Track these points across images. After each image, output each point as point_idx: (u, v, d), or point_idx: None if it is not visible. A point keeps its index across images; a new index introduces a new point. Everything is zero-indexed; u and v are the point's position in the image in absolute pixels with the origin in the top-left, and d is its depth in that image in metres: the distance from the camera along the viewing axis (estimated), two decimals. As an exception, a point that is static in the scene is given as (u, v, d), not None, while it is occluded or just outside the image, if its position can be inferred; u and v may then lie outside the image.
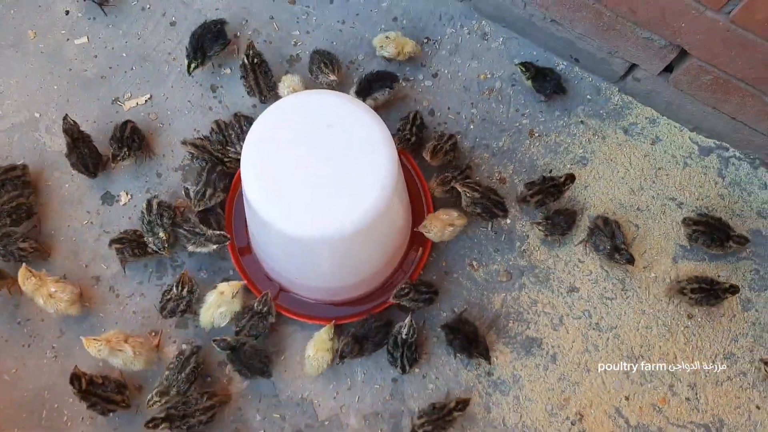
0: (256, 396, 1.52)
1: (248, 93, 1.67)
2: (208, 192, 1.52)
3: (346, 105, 1.28)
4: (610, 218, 1.62)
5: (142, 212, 1.52)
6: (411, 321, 1.47)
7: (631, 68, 1.68)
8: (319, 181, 1.24)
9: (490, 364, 1.53)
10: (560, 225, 1.61)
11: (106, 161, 1.64)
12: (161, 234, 1.48)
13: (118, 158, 1.59)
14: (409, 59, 1.73)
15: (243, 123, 1.62)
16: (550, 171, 1.71)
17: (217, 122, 1.64)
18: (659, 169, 1.73)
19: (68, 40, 1.77)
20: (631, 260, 1.57)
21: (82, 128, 1.63)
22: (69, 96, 1.72)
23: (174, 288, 1.48)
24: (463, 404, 1.47)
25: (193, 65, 1.65)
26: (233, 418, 1.50)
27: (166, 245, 1.50)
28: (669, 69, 1.61)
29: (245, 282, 1.49)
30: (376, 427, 1.52)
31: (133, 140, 1.61)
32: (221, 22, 1.68)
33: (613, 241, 1.58)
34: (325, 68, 1.64)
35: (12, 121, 1.70)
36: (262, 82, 1.65)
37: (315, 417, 1.52)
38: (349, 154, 1.25)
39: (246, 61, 1.64)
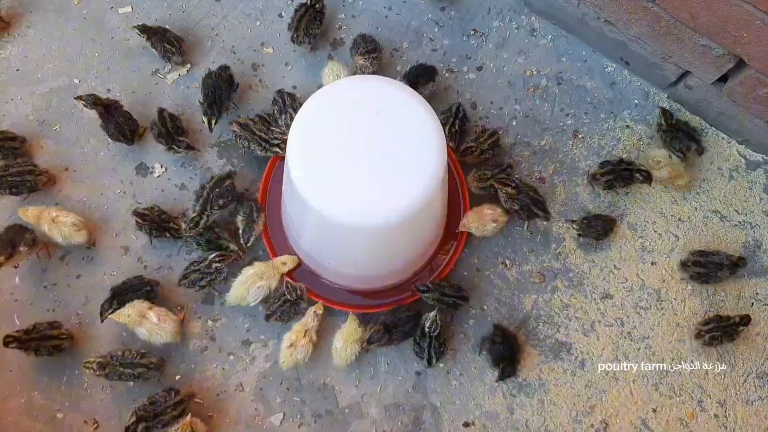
0: (278, 378, 1.50)
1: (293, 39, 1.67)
2: (202, 220, 1.50)
3: (397, 92, 1.25)
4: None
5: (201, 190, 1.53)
6: (435, 315, 1.44)
7: (684, 75, 1.64)
8: (365, 168, 1.22)
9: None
10: (596, 228, 1.58)
11: (143, 131, 1.63)
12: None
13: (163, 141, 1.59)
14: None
15: (286, 99, 1.60)
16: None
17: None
18: (704, 180, 1.68)
19: (112, 8, 1.76)
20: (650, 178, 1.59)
21: (119, 98, 1.62)
22: (109, 64, 1.71)
23: (209, 261, 1.46)
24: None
25: (213, 121, 1.59)
26: (253, 398, 1.49)
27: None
28: (723, 79, 1.57)
29: (287, 267, 1.47)
30: (397, 419, 1.50)
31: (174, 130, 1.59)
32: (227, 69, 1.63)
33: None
34: (364, 55, 1.62)
35: (51, 85, 1.69)
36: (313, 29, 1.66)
37: (336, 403, 1.50)
38: (398, 143, 1.23)
39: (309, 2, 1.65)
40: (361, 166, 1.22)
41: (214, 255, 1.47)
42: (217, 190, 1.50)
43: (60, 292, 1.54)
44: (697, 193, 1.67)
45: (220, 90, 1.59)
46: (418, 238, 1.38)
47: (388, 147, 1.23)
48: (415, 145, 1.23)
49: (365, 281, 1.49)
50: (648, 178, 1.60)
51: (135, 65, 1.71)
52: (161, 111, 1.58)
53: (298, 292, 1.46)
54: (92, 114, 1.61)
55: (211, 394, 1.48)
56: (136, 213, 1.52)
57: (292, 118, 1.55)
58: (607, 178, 1.59)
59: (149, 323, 1.41)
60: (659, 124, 1.65)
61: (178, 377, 1.48)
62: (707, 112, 1.69)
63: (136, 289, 1.46)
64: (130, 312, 1.40)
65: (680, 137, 1.63)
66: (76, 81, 1.69)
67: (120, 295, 1.46)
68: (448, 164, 1.57)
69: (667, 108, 1.68)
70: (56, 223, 1.47)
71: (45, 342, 1.42)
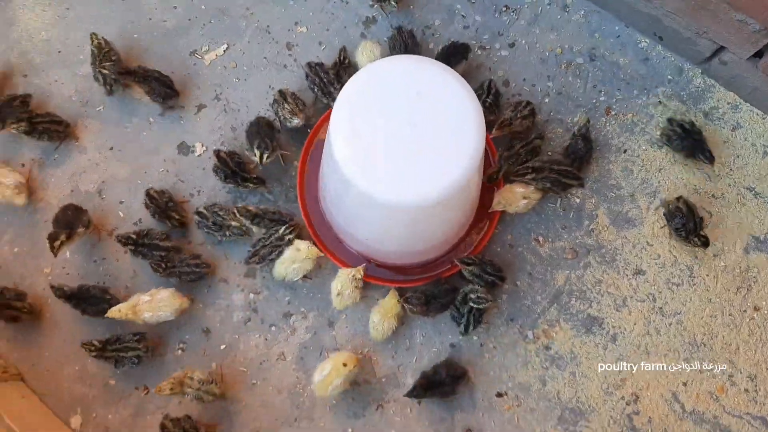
0: (317, 348, 1.55)
1: None
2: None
3: (438, 73, 1.28)
4: (690, 201, 1.59)
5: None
6: (487, 294, 1.48)
7: (718, 51, 1.63)
8: (406, 148, 1.25)
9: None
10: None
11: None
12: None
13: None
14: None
15: (319, 72, 1.62)
16: (625, 151, 1.68)
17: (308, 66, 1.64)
18: (737, 156, 1.68)
19: (149, -11, 1.79)
20: (706, 243, 1.55)
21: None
22: (148, 45, 1.75)
23: (278, 233, 1.51)
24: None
25: (265, 156, 1.58)
26: (295, 367, 1.54)
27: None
28: (759, 54, 1.56)
29: (322, 253, 1.51)
30: (432, 391, 1.54)
31: None
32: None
33: (690, 224, 1.56)
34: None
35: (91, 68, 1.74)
36: None
37: (373, 373, 1.55)
38: (439, 124, 1.26)
39: None
40: (402, 146, 1.25)
41: (284, 229, 1.51)
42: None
43: (109, 267, 1.60)
44: (731, 170, 1.67)
45: (264, 129, 1.59)
46: (454, 217, 1.41)
47: (429, 128, 1.26)
48: (455, 126, 1.25)
49: (401, 256, 1.53)
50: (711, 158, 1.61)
51: (173, 46, 1.75)
52: (217, 152, 1.59)
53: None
54: (135, 94, 1.66)
55: (254, 364, 1.54)
56: (147, 193, 1.57)
57: (332, 84, 1.61)
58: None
59: (144, 305, 1.45)
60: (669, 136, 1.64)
61: (223, 347, 1.55)
62: (742, 88, 1.68)
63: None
64: (121, 308, 1.44)
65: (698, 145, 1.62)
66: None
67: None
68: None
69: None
70: None
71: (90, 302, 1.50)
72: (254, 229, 1.55)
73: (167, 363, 1.53)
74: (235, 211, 1.54)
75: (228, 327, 1.56)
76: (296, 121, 1.59)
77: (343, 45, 1.69)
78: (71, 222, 1.51)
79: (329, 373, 1.41)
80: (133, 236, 1.52)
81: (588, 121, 1.64)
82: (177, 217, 1.57)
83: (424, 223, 1.36)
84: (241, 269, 1.59)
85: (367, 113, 1.27)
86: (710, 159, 1.61)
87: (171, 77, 1.68)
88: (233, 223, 1.53)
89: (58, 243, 1.48)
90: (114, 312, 1.44)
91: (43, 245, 1.53)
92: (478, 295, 1.48)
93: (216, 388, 1.44)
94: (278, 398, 1.52)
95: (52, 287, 1.50)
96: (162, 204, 1.56)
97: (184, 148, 1.68)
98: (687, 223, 1.56)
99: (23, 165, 1.66)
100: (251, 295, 1.58)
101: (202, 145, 1.68)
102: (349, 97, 1.28)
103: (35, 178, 1.64)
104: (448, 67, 1.33)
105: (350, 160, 1.24)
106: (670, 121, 1.64)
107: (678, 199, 1.59)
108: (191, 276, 1.52)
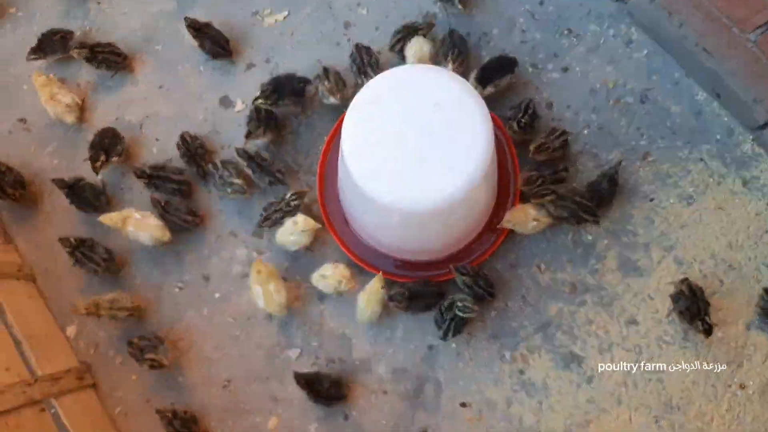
0: (304, 319, 1.63)
1: None
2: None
3: (453, 86, 1.31)
4: (694, 285, 1.56)
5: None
6: (473, 305, 1.51)
7: (774, 121, 1.57)
8: (413, 156, 1.30)
9: None
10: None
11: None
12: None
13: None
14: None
15: (363, 56, 1.65)
16: (652, 199, 1.65)
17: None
18: (766, 232, 1.62)
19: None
20: (709, 331, 1.53)
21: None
22: (214, 2, 1.80)
23: (287, 200, 1.58)
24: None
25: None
26: (278, 330, 1.63)
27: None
28: (815, 133, 1.49)
29: (320, 225, 1.58)
30: (400, 383, 1.60)
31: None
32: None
33: (694, 307, 1.53)
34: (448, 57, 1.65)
35: (161, 7, 1.82)
36: None
37: (350, 353, 1.62)
38: (447, 136, 1.30)
39: None
40: (412, 155, 1.30)
41: (290, 195, 1.59)
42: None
43: (135, 195, 1.72)
44: (755, 244, 1.61)
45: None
46: (453, 225, 1.44)
47: (438, 138, 1.30)
48: (463, 140, 1.30)
49: (400, 251, 1.58)
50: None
51: (237, 4, 1.80)
52: (239, 150, 1.65)
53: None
54: (192, 42, 1.74)
55: (243, 317, 1.63)
56: (181, 136, 1.66)
57: (371, 67, 1.65)
58: None
59: (133, 221, 1.57)
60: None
61: (217, 295, 1.65)
62: (791, 164, 1.61)
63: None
64: (113, 216, 1.58)
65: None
66: (183, 9, 1.81)
67: None
68: (506, 156, 1.61)
69: None
70: (53, 100, 1.69)
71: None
72: (252, 176, 1.62)
73: (164, 297, 1.64)
74: (236, 150, 1.62)
75: (227, 278, 1.65)
76: (332, 100, 1.64)
77: (402, 29, 1.69)
78: (108, 150, 1.64)
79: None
80: (147, 170, 1.62)
81: (620, 163, 1.61)
82: (203, 164, 1.65)
83: (420, 228, 1.41)
84: (250, 227, 1.67)
85: (377, 119, 1.32)
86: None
87: (229, 33, 1.74)
88: (235, 181, 1.60)
89: (98, 164, 1.63)
90: (106, 218, 1.58)
91: (79, 161, 1.66)
92: (465, 304, 1.51)
93: (129, 302, 1.55)
94: (255, 354, 1.61)
95: (53, 180, 1.63)
96: (192, 149, 1.65)
97: (226, 102, 1.76)
98: (691, 306, 1.53)
99: (79, 85, 1.77)
100: (254, 254, 1.66)
101: (243, 102, 1.75)
102: (362, 102, 1.34)
103: (87, 100, 1.76)
104: (462, 79, 1.36)
105: (357, 162, 1.31)
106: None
107: (683, 281, 1.56)
108: (177, 225, 1.61)
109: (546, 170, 1.60)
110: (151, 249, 1.64)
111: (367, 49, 1.67)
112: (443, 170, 1.29)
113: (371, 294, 1.53)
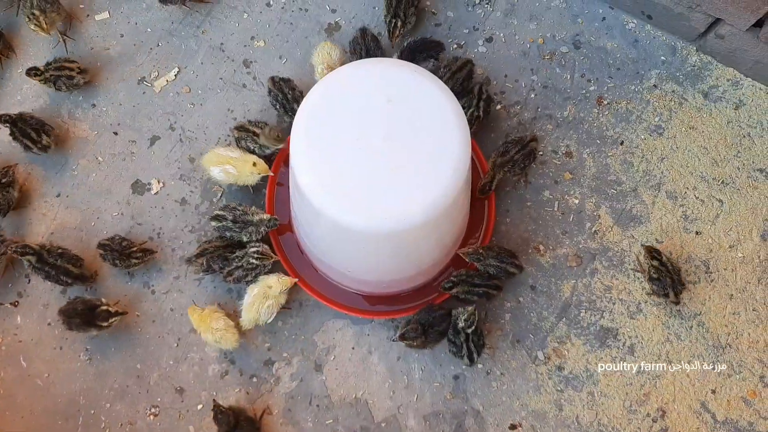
0: (306, 397, 1.40)
1: None
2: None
3: (411, 76, 1.12)
4: (663, 251, 1.43)
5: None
6: (474, 310, 1.33)
7: (714, 24, 1.49)
8: (381, 165, 1.10)
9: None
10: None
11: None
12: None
13: None
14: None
15: (284, 89, 1.48)
16: (622, 142, 1.54)
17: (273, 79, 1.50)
18: (744, 137, 1.54)
19: (88, 16, 1.63)
20: (676, 302, 1.41)
21: (108, 113, 1.51)
22: (94, 74, 1.58)
23: (248, 257, 1.36)
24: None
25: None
26: (283, 421, 1.39)
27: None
28: (759, 24, 1.42)
29: (297, 280, 1.37)
30: (438, 429, 1.39)
31: None
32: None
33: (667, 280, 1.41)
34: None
35: (32, 106, 1.57)
36: None
37: (371, 418, 1.40)
38: (416, 134, 1.11)
39: None
40: (376, 164, 1.10)
41: (253, 251, 1.36)
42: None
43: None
44: (738, 152, 1.53)
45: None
46: (444, 236, 1.26)
47: (405, 140, 1.11)
48: (435, 136, 1.10)
49: (389, 285, 1.38)
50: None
51: (119, 75, 1.59)
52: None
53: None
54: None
55: (238, 420, 1.38)
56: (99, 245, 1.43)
57: (296, 101, 1.45)
58: None
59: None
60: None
61: (200, 407, 1.39)
62: (742, 63, 1.55)
63: None
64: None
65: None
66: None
67: None
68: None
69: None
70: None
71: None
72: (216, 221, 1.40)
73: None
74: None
75: (203, 383, 1.40)
76: (277, 146, 1.44)
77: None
78: None
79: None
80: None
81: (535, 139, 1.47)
82: (139, 254, 1.41)
83: (406, 249, 1.21)
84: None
85: (331, 126, 1.12)
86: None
87: (120, 111, 1.52)
88: (255, 218, 1.37)
89: None
90: None
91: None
92: (465, 317, 1.33)
93: None
94: (268, 458, 1.37)
95: None
96: (119, 249, 1.40)
97: (140, 187, 1.52)
98: (663, 280, 1.40)
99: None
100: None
101: (159, 182, 1.52)
102: (309, 112, 1.13)
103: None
104: (421, 68, 1.18)
105: (316, 185, 1.09)
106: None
107: (649, 250, 1.42)
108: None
109: (513, 148, 1.45)
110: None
111: (286, 81, 1.49)
112: (422, 175, 1.10)
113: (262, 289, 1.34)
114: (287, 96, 1.47)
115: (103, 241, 1.42)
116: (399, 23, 1.52)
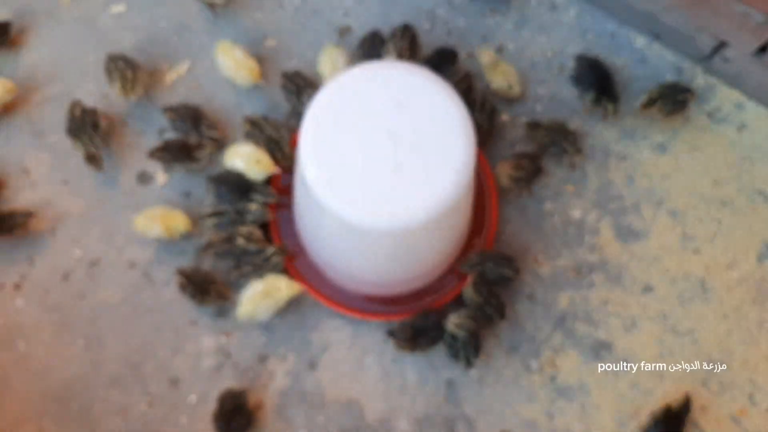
0: (299, 395, 1.40)
1: None
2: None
3: (419, 80, 1.14)
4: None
5: None
6: (466, 317, 1.34)
7: (720, 47, 1.51)
8: (388, 166, 1.12)
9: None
10: None
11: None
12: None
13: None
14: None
15: (297, 80, 1.48)
16: (625, 158, 1.56)
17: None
18: (745, 159, 1.56)
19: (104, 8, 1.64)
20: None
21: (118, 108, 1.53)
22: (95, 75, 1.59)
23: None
24: None
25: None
26: (274, 417, 1.39)
27: None
28: (763, 48, 1.45)
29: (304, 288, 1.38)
30: (429, 432, 1.40)
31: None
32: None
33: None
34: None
35: (44, 94, 1.58)
36: None
37: (362, 418, 1.40)
38: (422, 136, 1.13)
39: None
40: (383, 164, 1.12)
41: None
42: None
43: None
44: (739, 173, 1.55)
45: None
46: (446, 238, 1.27)
47: (412, 141, 1.13)
48: (441, 138, 1.12)
49: (388, 286, 1.39)
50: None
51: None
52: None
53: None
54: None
55: (231, 415, 1.38)
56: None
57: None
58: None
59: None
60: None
61: (194, 398, 1.39)
62: (746, 86, 1.57)
63: None
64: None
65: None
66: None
67: None
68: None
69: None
70: None
71: None
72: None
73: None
74: None
75: (198, 375, 1.40)
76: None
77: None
78: None
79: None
80: None
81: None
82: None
83: (407, 250, 1.22)
84: (211, 309, 1.44)
85: (340, 127, 1.14)
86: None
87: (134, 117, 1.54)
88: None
89: None
90: None
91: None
92: (460, 321, 1.35)
93: None
94: (259, 452, 1.37)
95: None
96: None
97: (145, 178, 1.53)
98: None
99: None
100: (222, 338, 1.43)
101: (165, 172, 1.53)
102: (319, 111, 1.14)
103: None
104: (429, 72, 1.20)
105: (323, 182, 1.11)
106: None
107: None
108: None
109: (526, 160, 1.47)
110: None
111: (297, 73, 1.50)
112: (426, 177, 1.11)
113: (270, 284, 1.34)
114: (299, 85, 1.48)
115: None
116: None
